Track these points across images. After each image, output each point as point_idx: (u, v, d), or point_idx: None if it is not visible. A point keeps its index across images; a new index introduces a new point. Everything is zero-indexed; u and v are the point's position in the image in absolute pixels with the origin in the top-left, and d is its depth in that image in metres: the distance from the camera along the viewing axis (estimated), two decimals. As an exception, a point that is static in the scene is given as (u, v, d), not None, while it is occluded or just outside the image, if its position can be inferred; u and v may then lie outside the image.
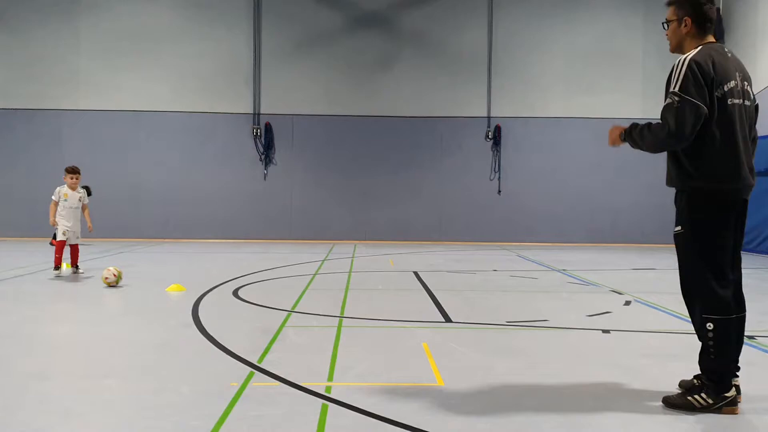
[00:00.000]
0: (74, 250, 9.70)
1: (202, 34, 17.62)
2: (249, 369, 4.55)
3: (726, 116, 3.64)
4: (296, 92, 17.62)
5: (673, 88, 3.63)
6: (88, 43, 17.54)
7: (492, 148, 17.61)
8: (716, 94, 3.62)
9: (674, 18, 3.84)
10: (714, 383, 3.70)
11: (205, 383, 4.25)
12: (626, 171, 17.36)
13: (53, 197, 9.57)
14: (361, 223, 17.60)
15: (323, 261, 12.32)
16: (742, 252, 3.89)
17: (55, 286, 8.76)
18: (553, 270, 11.23)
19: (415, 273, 10.39)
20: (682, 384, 4.10)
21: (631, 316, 6.97)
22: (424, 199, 17.49)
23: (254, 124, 17.61)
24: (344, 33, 17.71)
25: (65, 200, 9.57)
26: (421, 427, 3.45)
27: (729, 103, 3.64)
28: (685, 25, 3.81)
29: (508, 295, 8.53)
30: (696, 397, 3.73)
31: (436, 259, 13.01)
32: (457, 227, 17.50)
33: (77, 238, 9.70)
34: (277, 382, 4.26)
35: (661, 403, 3.85)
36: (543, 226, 17.48)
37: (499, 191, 17.57)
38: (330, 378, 4.38)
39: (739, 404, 3.72)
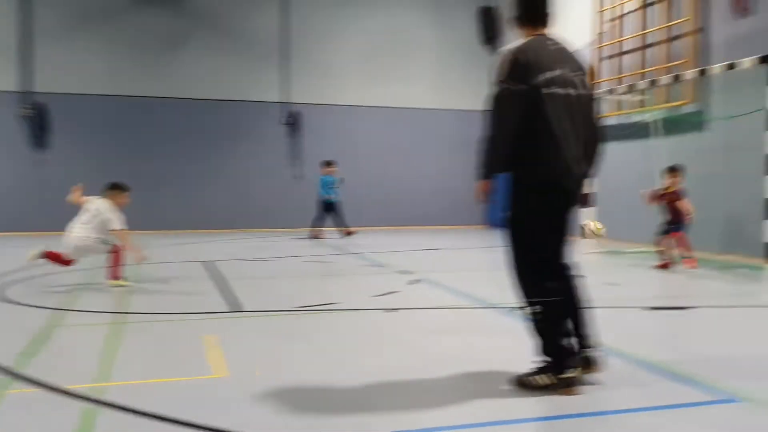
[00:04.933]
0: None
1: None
2: (4, 376, 4.10)
3: (548, 104, 3.74)
4: (77, 71, 16.16)
5: (499, 79, 3.79)
6: None
7: (289, 133, 17.52)
8: (536, 81, 3.73)
9: (511, 12, 4.09)
10: (550, 363, 3.79)
11: (-50, 396, 3.76)
12: (418, 157, 18.14)
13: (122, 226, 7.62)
14: (153, 213, 16.63)
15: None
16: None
17: None
18: (349, 253, 11.47)
19: (207, 262, 10.07)
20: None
21: (416, 294, 7.30)
22: (221, 186, 16.95)
23: (24, 104, 15.89)
24: (131, 9, 16.59)
25: None
26: (200, 422, 3.30)
27: (549, 91, 3.76)
28: (515, 25, 4.06)
29: (302, 280, 8.56)
30: (537, 377, 3.78)
31: (234, 248, 12.72)
32: (256, 214, 17.18)
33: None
34: (37, 388, 3.87)
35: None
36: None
37: (298, 177, 17.55)
38: (100, 379, 4.08)
39: (578, 385, 3.77)
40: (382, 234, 16.01)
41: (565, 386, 3.73)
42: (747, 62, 8.58)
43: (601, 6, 13.86)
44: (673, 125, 11.78)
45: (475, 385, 3.98)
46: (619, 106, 13.33)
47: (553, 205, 3.84)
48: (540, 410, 3.60)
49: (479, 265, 10.63)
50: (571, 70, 3.88)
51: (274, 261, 10.48)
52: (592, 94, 4.02)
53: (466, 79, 18.22)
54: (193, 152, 16.92)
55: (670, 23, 12.05)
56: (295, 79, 17.53)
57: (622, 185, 12.95)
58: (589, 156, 3.94)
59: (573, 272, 4.01)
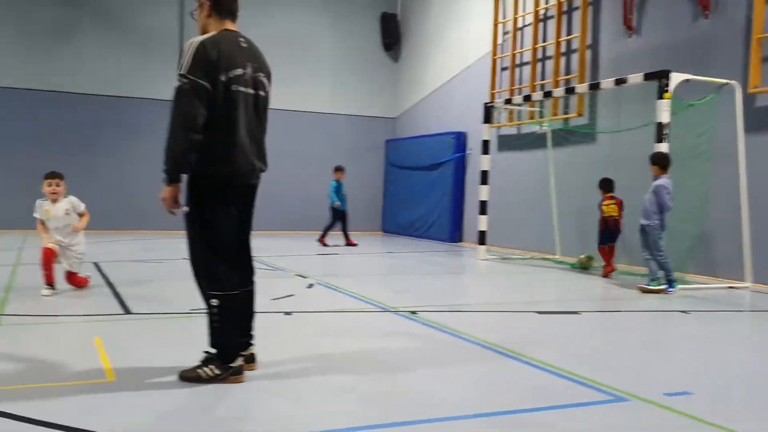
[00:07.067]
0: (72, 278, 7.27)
1: None
2: None
3: (229, 102, 3.74)
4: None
5: (182, 71, 3.66)
6: None
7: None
8: (221, 78, 3.70)
9: (198, 3, 3.98)
10: (219, 356, 3.88)
11: None
12: (314, 161, 17.81)
13: (35, 215, 7.35)
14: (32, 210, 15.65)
15: (-17, 253, 10.75)
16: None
17: None
18: (245, 256, 11.19)
19: (96, 264, 9.58)
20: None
21: (312, 298, 7.22)
22: (108, 184, 16.03)
23: None
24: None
25: (47, 218, 7.34)
26: (82, 427, 3.11)
27: (233, 89, 3.75)
28: (204, 10, 3.94)
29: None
30: (205, 369, 3.87)
31: (122, 249, 12.17)
32: (146, 214, 16.40)
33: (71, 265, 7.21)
34: None
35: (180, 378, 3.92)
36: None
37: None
38: (-28, 384, 3.77)
39: (245, 372, 3.93)
40: (279, 238, 15.74)
41: (233, 374, 3.84)
42: (634, 78, 9.05)
43: (500, 19, 14.30)
44: (565, 137, 12.28)
45: (374, 386, 3.96)
46: (514, 116, 13.78)
47: (230, 202, 3.87)
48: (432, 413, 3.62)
49: (376, 270, 10.66)
50: (256, 71, 3.93)
51: (164, 263, 10.08)
52: (269, 96, 4.08)
53: (362, 85, 18.30)
54: (78, 147, 16.01)
55: (563, 38, 12.59)
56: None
57: (515, 193, 13.38)
58: (261, 155, 4.02)
59: (251, 268, 4.14)
